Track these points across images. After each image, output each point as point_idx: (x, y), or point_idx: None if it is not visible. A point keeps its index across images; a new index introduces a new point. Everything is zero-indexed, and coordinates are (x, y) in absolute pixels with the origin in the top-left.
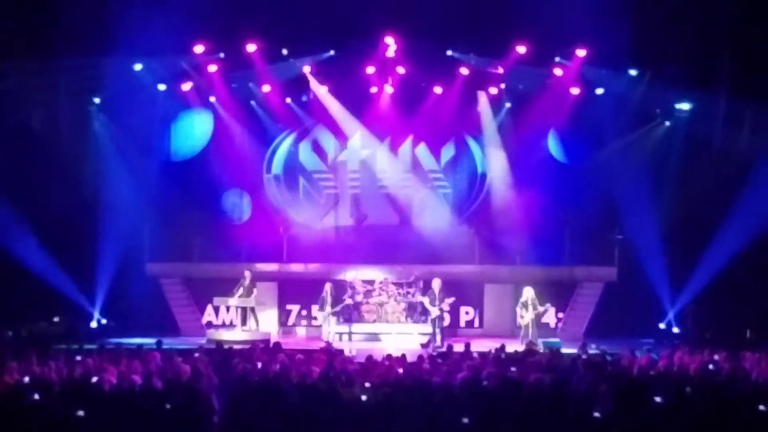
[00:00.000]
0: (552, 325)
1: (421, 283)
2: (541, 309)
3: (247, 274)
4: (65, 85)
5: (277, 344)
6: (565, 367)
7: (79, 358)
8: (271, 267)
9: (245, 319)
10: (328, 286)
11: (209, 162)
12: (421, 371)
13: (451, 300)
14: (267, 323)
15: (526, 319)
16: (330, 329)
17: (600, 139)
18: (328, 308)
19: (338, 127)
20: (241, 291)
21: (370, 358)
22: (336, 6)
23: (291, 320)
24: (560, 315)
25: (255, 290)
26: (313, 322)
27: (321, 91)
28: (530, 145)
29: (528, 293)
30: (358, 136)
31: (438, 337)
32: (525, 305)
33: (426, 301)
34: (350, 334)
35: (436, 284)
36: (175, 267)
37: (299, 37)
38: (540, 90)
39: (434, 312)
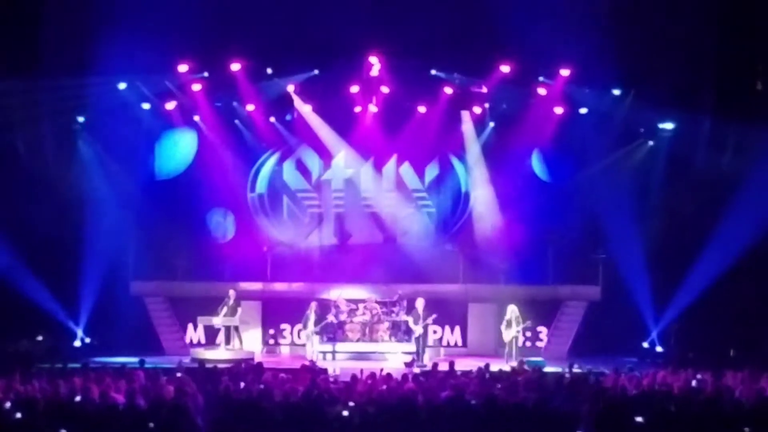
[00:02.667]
0: (521, 344)
1: (405, 302)
2: (524, 325)
3: (232, 293)
4: (49, 105)
5: (261, 363)
6: (549, 386)
7: (61, 379)
8: (255, 286)
9: (229, 338)
10: (313, 305)
11: (193, 181)
12: (405, 390)
13: (432, 317)
14: (251, 342)
15: (509, 336)
16: (314, 348)
17: (584, 158)
18: (311, 326)
19: (322, 146)
20: (225, 310)
21: (354, 377)
22: (320, 25)
23: (275, 339)
24: (541, 333)
25: (239, 309)
26: (297, 341)
27: (305, 110)
28: (514, 164)
29: (512, 311)
30: (342, 155)
31: (424, 356)
32: (509, 323)
33: (410, 320)
34: (334, 353)
35: (420, 304)
36: (159, 286)
37: (283, 57)
38: (524, 109)
39: (418, 331)
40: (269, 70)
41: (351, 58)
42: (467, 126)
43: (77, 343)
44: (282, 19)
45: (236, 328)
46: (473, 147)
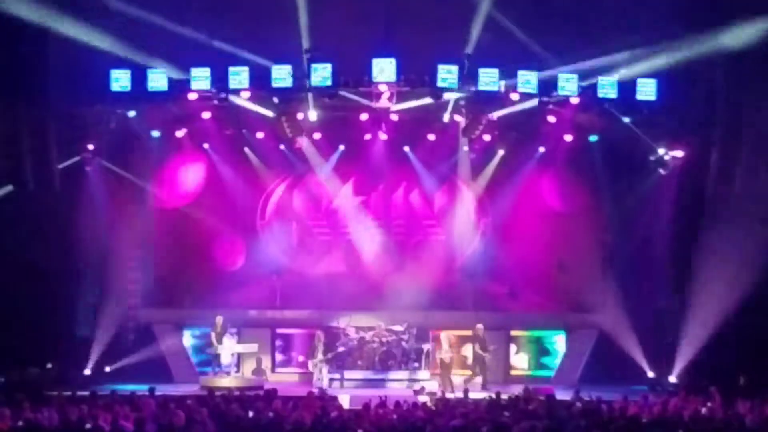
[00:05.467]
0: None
1: (414, 329)
2: (486, 352)
3: (218, 320)
4: (58, 132)
5: (271, 390)
6: (560, 414)
7: (70, 407)
8: (264, 313)
9: (239, 364)
10: (319, 334)
11: (203, 208)
12: (415, 418)
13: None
14: (260, 369)
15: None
16: (322, 376)
17: (594, 186)
18: (320, 355)
19: (332, 174)
20: (215, 337)
21: (363, 405)
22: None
23: (283, 367)
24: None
25: (226, 336)
26: (305, 369)
27: (315, 137)
28: (524, 192)
29: (478, 331)
30: (351, 182)
31: (448, 384)
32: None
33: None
34: (343, 380)
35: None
36: (168, 313)
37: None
38: (533, 137)
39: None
40: (276, 100)
41: (360, 85)
42: (476, 154)
43: (87, 371)
44: None
45: (217, 356)
46: (483, 174)
